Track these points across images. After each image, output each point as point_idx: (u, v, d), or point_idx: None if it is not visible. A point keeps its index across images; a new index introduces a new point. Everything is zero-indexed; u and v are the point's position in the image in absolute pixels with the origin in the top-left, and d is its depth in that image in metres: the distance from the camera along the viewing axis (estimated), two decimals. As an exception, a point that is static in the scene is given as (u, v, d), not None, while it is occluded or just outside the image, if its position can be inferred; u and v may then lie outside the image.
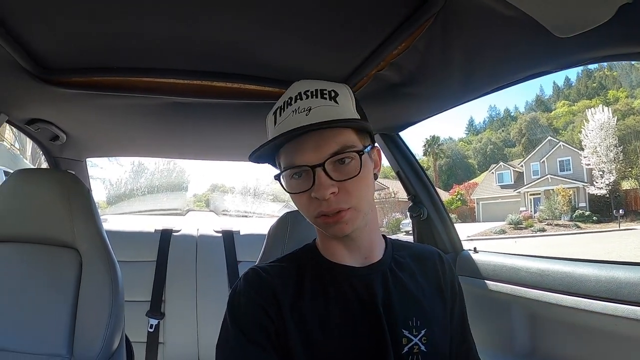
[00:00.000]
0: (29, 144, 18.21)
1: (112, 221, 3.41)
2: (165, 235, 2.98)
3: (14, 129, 2.40)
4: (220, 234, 3.07)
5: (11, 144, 17.41)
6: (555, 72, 1.33)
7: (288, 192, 1.06)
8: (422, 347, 1.03)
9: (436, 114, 1.87)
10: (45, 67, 1.57)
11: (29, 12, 1.22)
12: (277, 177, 1.08)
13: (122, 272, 2.47)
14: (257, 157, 1.07)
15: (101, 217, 3.40)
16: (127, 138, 2.61)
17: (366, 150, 1.03)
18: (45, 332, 1.47)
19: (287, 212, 1.75)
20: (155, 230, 3.03)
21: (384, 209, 34.17)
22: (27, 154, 18.49)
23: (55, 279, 1.56)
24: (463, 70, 1.44)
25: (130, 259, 2.83)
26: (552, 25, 0.98)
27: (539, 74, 1.36)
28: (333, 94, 1.04)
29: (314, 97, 1.03)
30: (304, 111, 1.00)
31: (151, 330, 2.66)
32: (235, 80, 1.68)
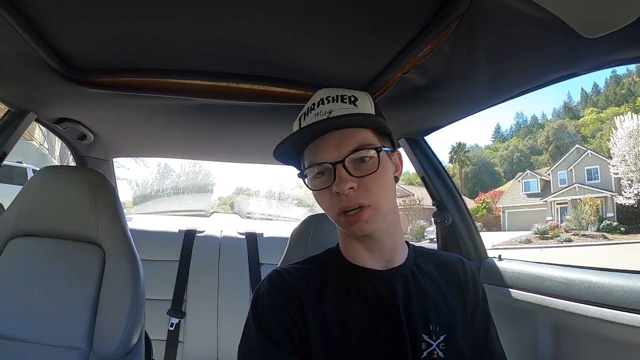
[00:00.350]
0: (58, 144, 18.54)
1: (137, 220, 3.45)
2: (189, 236, 3.00)
3: (44, 130, 2.46)
4: (243, 236, 3.09)
5: (40, 144, 17.73)
6: (584, 74, 1.30)
7: (311, 190, 1.11)
8: (440, 353, 1.02)
9: (462, 117, 1.85)
10: (73, 68, 1.61)
11: (58, 13, 1.26)
12: (300, 175, 1.14)
13: (145, 271, 2.50)
14: (282, 155, 1.14)
15: (126, 217, 3.43)
16: (153, 138, 2.65)
17: (385, 149, 1.07)
18: (66, 325, 1.50)
19: (311, 216, 1.75)
20: (179, 230, 3.05)
21: (408, 216, 33.97)
22: (56, 154, 18.83)
23: (78, 274, 1.58)
24: (489, 73, 1.42)
25: (153, 257, 2.87)
26: (579, 25, 0.96)
27: (567, 77, 1.33)
28: (353, 99, 1.10)
29: (335, 101, 1.09)
30: (325, 114, 1.07)
31: (171, 328, 2.68)
32: (260, 82, 1.70)
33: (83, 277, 1.58)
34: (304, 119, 1.11)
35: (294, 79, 1.68)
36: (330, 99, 1.10)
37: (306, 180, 1.12)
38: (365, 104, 1.10)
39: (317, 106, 1.10)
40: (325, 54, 1.49)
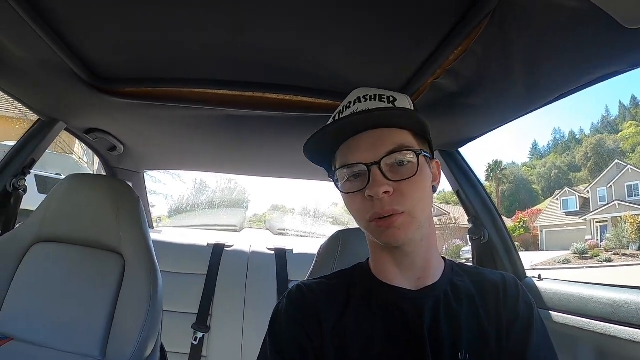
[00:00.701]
0: (97, 158, 18.96)
1: (166, 233, 3.47)
2: (218, 250, 2.98)
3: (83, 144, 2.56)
4: (272, 252, 3.04)
5: (80, 157, 18.18)
6: (628, 71, 1.17)
7: (342, 192, 1.03)
8: None
9: (498, 126, 1.74)
10: (99, 77, 1.64)
11: (83, 23, 1.28)
12: (331, 177, 1.08)
13: (171, 283, 2.49)
14: (313, 152, 1.09)
15: (156, 229, 3.43)
16: (182, 151, 2.67)
17: (424, 153, 1.00)
18: (81, 332, 1.51)
19: (340, 230, 1.71)
20: (207, 244, 3.03)
21: (444, 235, 33.57)
22: (94, 168, 19.26)
23: (97, 281, 1.60)
24: (525, 75, 1.32)
25: (181, 270, 2.85)
26: (620, 15, 0.87)
27: (610, 75, 1.21)
28: (392, 99, 1.04)
29: (373, 100, 1.03)
30: (362, 113, 0.99)
31: (195, 342, 2.64)
32: (287, 91, 1.68)
33: (102, 285, 1.60)
34: (339, 117, 1.05)
35: (321, 88, 1.66)
36: (368, 97, 1.04)
37: (337, 182, 1.04)
38: (404, 105, 1.04)
39: (354, 104, 1.04)
40: (352, 62, 1.45)
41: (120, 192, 1.74)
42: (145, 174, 3.28)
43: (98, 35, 1.37)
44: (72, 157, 17.10)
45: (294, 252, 3.05)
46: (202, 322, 2.69)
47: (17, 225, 1.94)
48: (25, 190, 2.06)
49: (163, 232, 3.53)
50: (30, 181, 2.05)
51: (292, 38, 1.31)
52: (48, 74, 1.61)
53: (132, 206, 1.72)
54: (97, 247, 1.68)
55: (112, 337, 1.51)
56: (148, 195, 3.60)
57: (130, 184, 3.12)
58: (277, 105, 1.75)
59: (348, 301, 1.03)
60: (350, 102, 1.05)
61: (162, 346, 1.70)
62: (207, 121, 1.98)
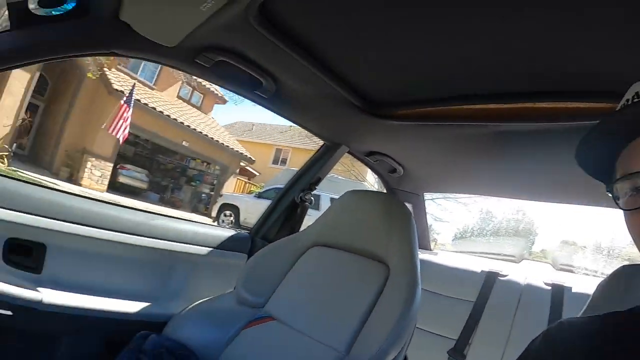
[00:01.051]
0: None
1: (442, 255, 3.46)
2: (490, 278, 2.84)
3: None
4: (549, 287, 2.73)
5: (371, 185, 19.59)
6: None
7: (622, 209, 0.79)
8: None
9: None
10: (372, 103, 1.81)
11: (351, 56, 1.47)
12: (608, 190, 0.83)
13: (437, 305, 2.53)
14: (587, 159, 0.88)
15: (433, 251, 3.48)
16: (456, 172, 2.63)
17: None
18: (334, 327, 1.65)
19: (624, 265, 1.45)
20: (481, 270, 2.92)
21: None
22: (384, 194, 20.55)
23: (360, 286, 1.74)
24: None
25: (448, 294, 2.82)
26: None
27: None
28: None
29: None
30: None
31: None
32: (556, 98, 1.48)
33: (363, 290, 1.72)
34: None
35: (596, 89, 1.38)
36: None
37: (618, 200, 0.79)
38: None
39: (631, 102, 0.80)
40: (626, 54, 1.16)
41: (393, 208, 1.86)
42: (433, 201, 3.34)
43: (366, 65, 1.52)
44: (364, 183, 18.64)
45: (573, 290, 2.67)
46: (459, 349, 2.61)
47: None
48: (310, 203, 2.45)
49: (439, 255, 3.53)
50: (326, 202, 2.39)
51: (562, 38, 1.15)
52: (329, 105, 1.85)
53: (403, 222, 1.81)
54: (366, 256, 1.82)
55: (360, 338, 1.61)
56: (434, 221, 3.65)
57: (410, 205, 3.23)
58: (548, 116, 1.55)
59: (615, 350, 0.77)
60: (627, 100, 0.81)
61: (405, 358, 1.72)
62: (482, 139, 1.93)
